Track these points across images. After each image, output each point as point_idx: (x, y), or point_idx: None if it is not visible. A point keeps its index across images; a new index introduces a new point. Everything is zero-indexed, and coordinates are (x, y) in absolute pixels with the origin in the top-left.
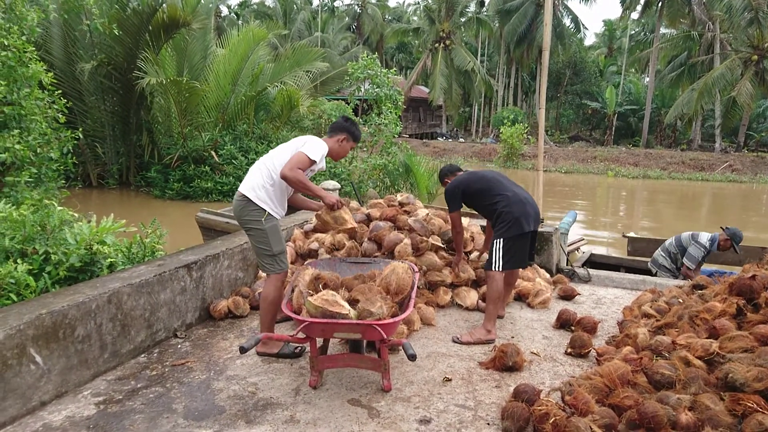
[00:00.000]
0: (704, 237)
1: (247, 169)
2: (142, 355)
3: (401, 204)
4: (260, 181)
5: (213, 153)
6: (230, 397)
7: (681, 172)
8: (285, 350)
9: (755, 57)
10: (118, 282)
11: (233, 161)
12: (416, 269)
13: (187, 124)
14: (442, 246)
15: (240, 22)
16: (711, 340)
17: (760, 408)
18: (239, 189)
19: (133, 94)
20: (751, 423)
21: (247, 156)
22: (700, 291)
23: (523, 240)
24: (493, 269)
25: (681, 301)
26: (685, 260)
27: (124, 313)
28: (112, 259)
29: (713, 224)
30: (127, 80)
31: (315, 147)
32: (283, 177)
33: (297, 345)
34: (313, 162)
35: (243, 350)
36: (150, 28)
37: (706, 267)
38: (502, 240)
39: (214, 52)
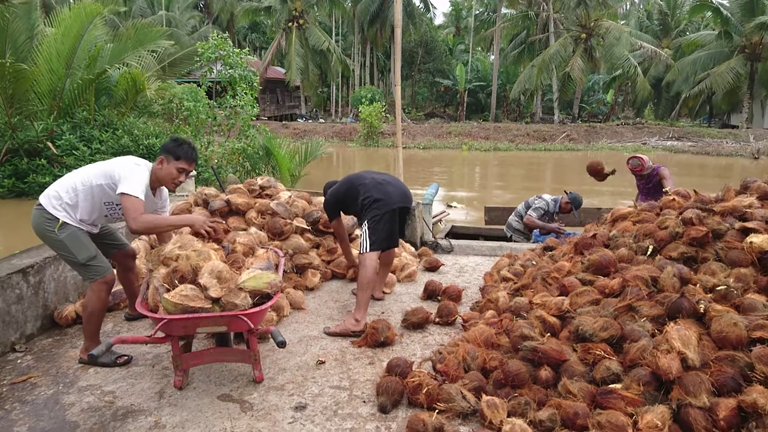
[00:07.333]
0: (547, 196)
1: (91, 160)
2: None
3: (262, 188)
4: (56, 191)
5: (50, 144)
6: (84, 411)
7: (527, 144)
8: (105, 359)
9: (584, 35)
10: None
11: (74, 152)
12: (281, 254)
13: (15, 113)
14: (308, 228)
15: None
16: (562, 297)
17: (607, 354)
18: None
19: None
20: (600, 369)
21: (90, 146)
22: (550, 252)
23: (390, 218)
24: (362, 251)
25: (534, 263)
26: (529, 212)
27: None
28: None
29: (557, 190)
30: None
31: (132, 182)
32: (136, 232)
33: (120, 354)
34: (141, 201)
35: (93, 357)
36: None
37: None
38: (367, 222)
39: (42, 31)
